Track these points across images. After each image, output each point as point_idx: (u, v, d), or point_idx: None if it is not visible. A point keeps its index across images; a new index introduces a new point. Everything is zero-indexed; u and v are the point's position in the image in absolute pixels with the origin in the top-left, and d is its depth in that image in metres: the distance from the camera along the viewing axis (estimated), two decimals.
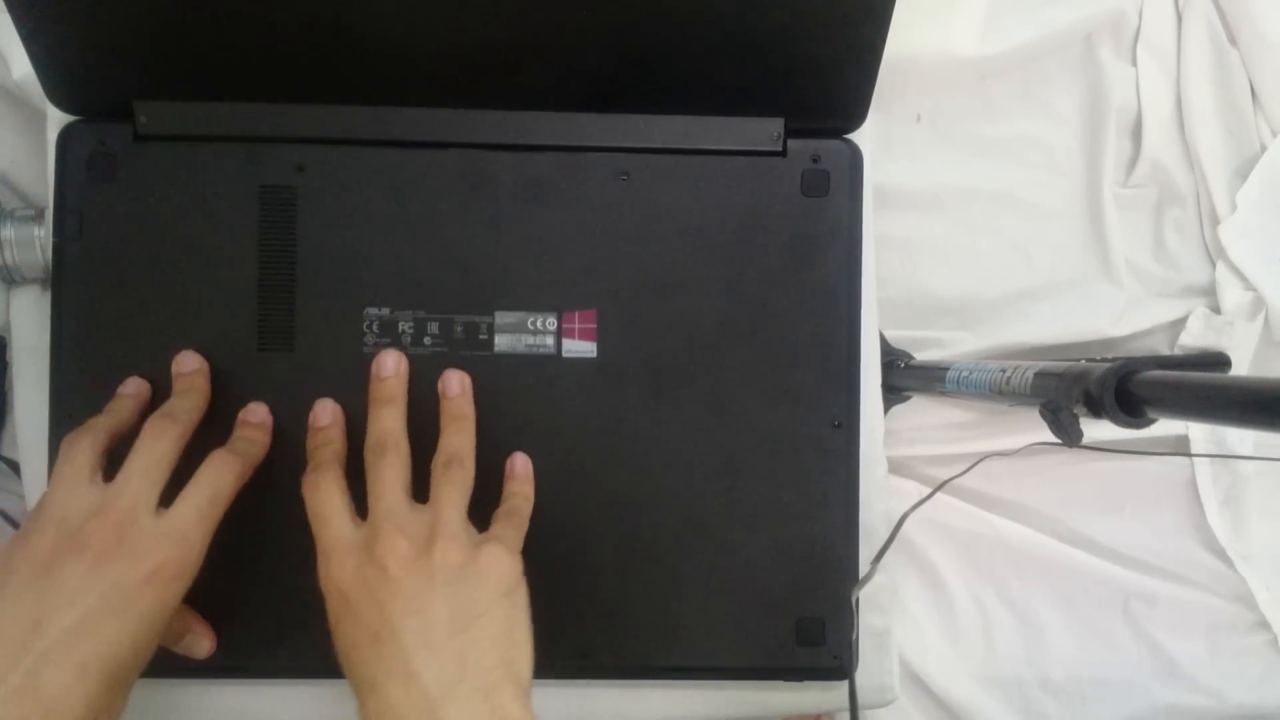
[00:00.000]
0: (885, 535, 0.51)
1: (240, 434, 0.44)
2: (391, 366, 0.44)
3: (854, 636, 0.47)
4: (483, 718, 0.36)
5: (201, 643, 0.44)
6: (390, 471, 0.41)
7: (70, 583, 0.36)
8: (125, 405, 0.43)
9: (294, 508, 0.44)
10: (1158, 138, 0.63)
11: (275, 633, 0.45)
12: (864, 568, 0.48)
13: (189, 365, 0.44)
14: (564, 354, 0.46)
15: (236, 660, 0.46)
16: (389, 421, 0.42)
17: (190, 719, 0.47)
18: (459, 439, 0.43)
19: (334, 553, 0.39)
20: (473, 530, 0.41)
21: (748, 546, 0.47)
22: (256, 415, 0.44)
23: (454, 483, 0.41)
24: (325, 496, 0.40)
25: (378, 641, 0.37)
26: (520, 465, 0.45)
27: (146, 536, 0.38)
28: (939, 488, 0.50)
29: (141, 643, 0.38)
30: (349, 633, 0.38)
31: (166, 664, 0.46)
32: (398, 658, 0.36)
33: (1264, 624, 0.64)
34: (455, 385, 0.44)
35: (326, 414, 0.44)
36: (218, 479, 0.40)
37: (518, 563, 0.40)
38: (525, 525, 0.43)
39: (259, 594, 0.45)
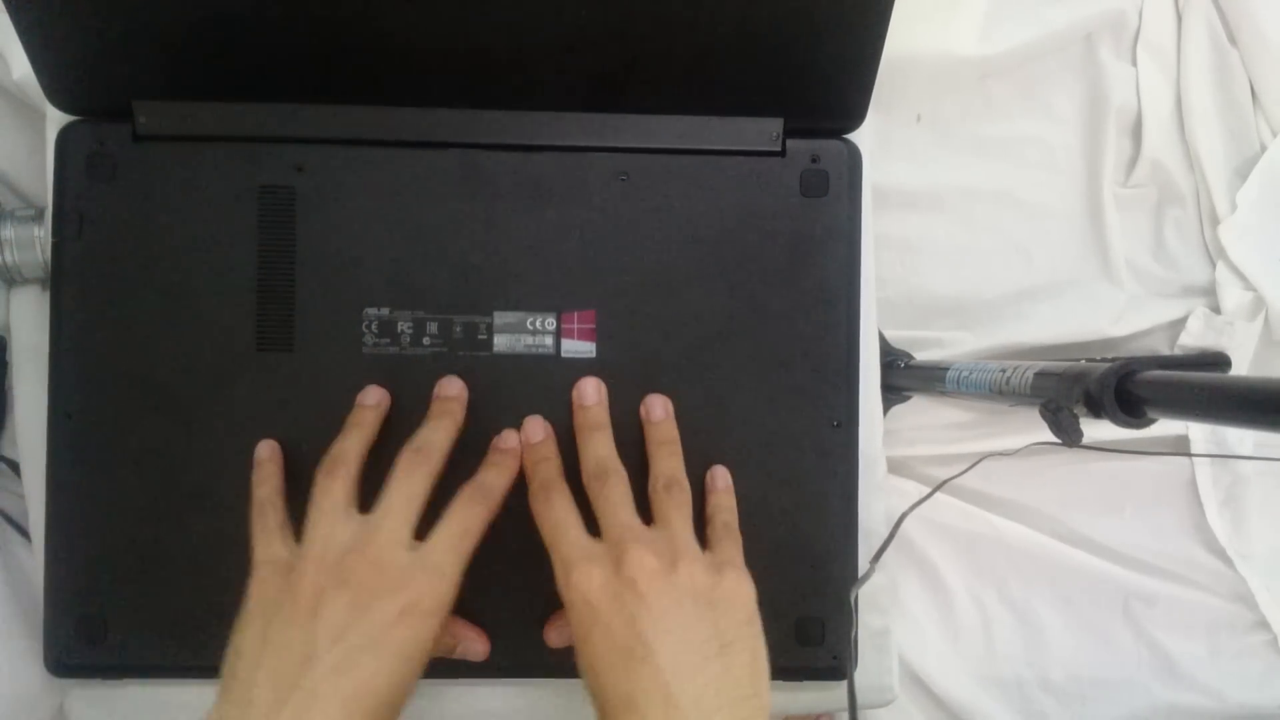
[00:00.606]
0: (885, 535, 0.51)
1: (490, 460, 0.44)
2: (593, 395, 0.45)
3: (853, 636, 0.47)
4: None
5: (475, 646, 0.44)
6: (616, 492, 0.41)
7: (332, 620, 0.37)
8: (369, 419, 0.43)
9: (296, 507, 0.44)
10: (1158, 138, 0.63)
11: None
12: (863, 567, 0.48)
13: (450, 390, 0.45)
14: (563, 354, 0.46)
15: None
16: (602, 448, 0.43)
17: (190, 719, 0.47)
18: (672, 462, 0.43)
19: (577, 562, 0.39)
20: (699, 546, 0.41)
21: (747, 546, 0.47)
22: (507, 442, 0.44)
23: (679, 505, 0.42)
24: (560, 509, 0.41)
25: (632, 659, 0.37)
26: (721, 478, 0.45)
27: (403, 572, 0.38)
28: (938, 487, 0.50)
29: (400, 678, 0.37)
30: (599, 646, 0.38)
31: (167, 664, 0.46)
32: (655, 679, 0.36)
33: (1264, 624, 0.64)
34: (659, 410, 0.45)
35: (539, 430, 0.44)
36: (468, 514, 0.41)
37: (754, 589, 0.40)
38: (740, 540, 0.43)
39: None
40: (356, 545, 0.38)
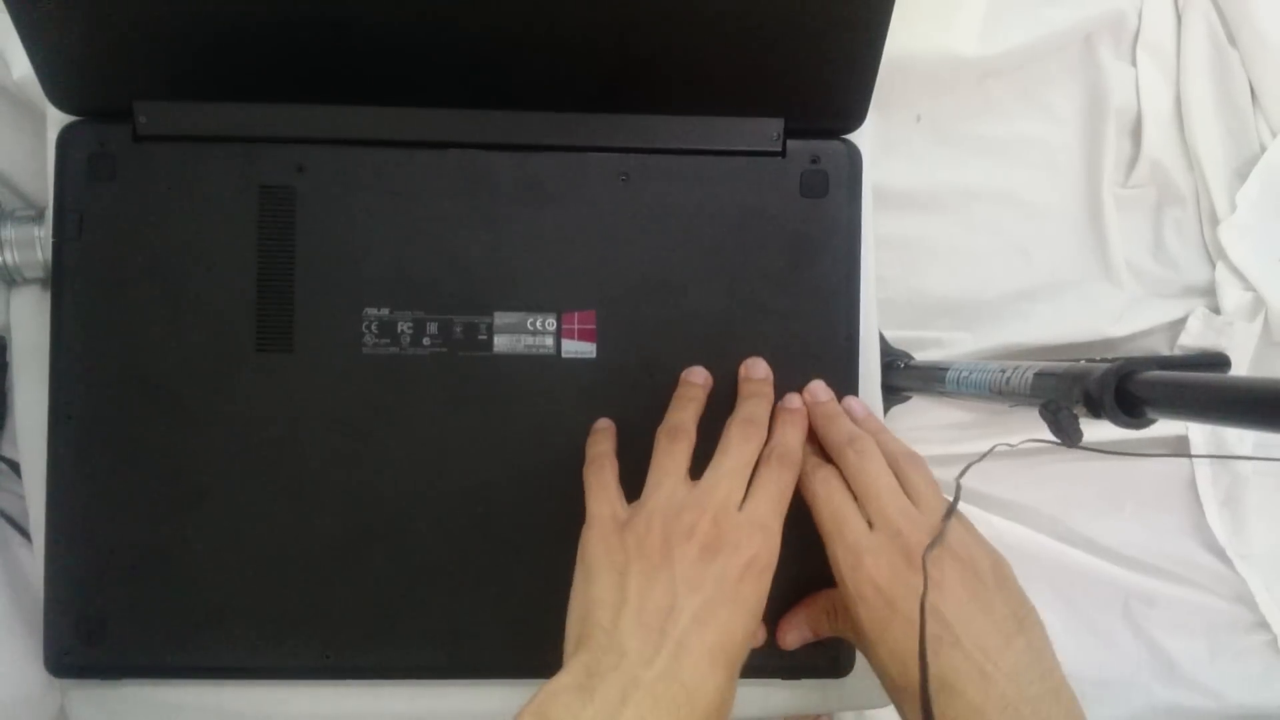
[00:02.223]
0: None
1: (783, 419, 0.45)
2: (825, 391, 0.46)
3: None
4: (1059, 715, 0.37)
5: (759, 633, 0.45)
6: (876, 463, 0.42)
7: (686, 572, 0.38)
8: (699, 395, 0.45)
9: (296, 508, 0.44)
10: (1157, 138, 0.63)
11: (276, 633, 0.45)
12: None
13: (759, 372, 0.46)
14: (563, 354, 0.46)
15: (236, 660, 0.46)
16: (848, 425, 0.44)
17: (191, 719, 0.47)
18: (893, 440, 0.44)
19: (866, 553, 0.40)
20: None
21: None
22: (792, 403, 0.46)
23: (924, 474, 0.43)
24: (839, 495, 0.42)
25: (941, 644, 0.38)
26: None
27: (739, 529, 0.40)
28: (963, 472, 0.50)
29: (746, 631, 0.39)
30: (900, 637, 0.39)
31: (167, 664, 0.46)
32: (967, 660, 0.38)
33: (1264, 624, 0.64)
34: (823, 392, 0.46)
35: (796, 400, 0.46)
36: (781, 476, 0.42)
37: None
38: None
39: (259, 594, 0.45)
40: (696, 505, 0.40)
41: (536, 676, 0.47)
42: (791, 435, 0.44)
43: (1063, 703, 0.38)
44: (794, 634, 0.45)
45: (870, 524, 0.41)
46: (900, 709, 0.40)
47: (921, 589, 0.38)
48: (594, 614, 0.38)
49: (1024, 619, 0.40)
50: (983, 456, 0.48)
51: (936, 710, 0.37)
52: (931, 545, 0.39)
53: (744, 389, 0.46)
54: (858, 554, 0.40)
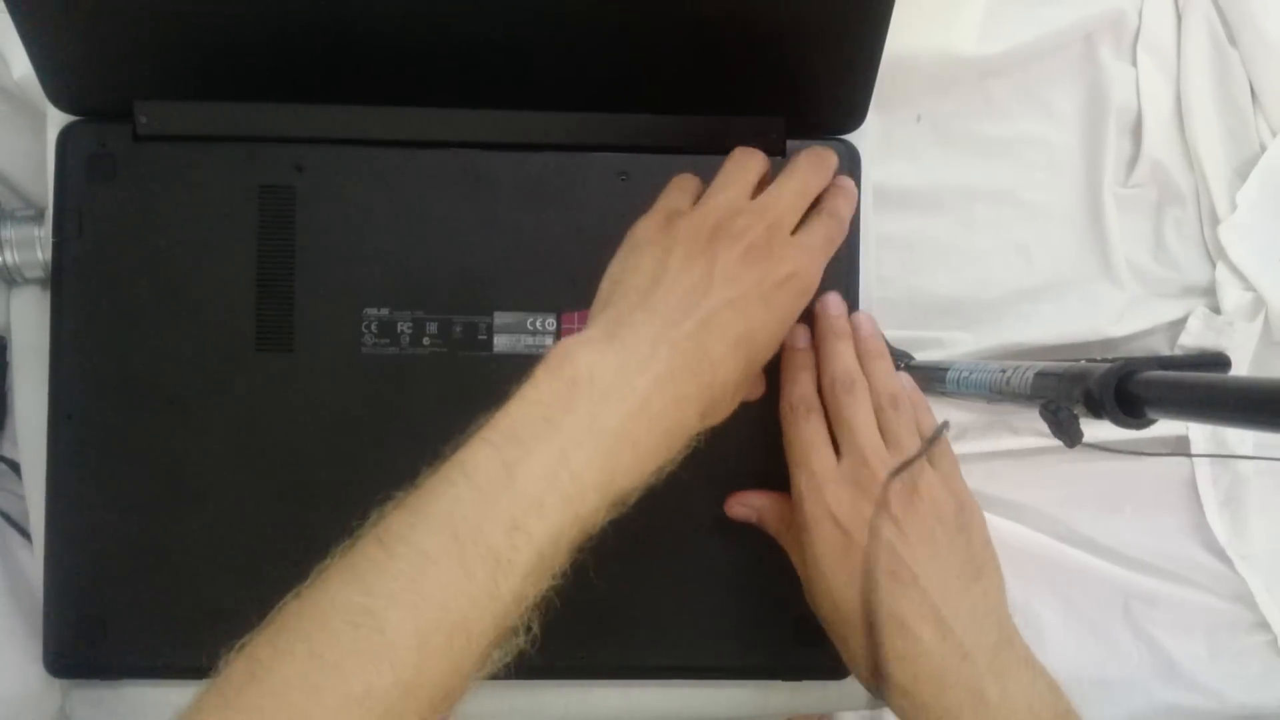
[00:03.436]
0: None
1: (838, 186, 0.45)
2: (837, 305, 0.46)
3: None
4: (1016, 666, 0.38)
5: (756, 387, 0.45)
6: (863, 408, 0.42)
7: (726, 265, 0.39)
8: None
9: (296, 508, 0.44)
10: (1158, 138, 0.62)
11: None
12: None
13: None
14: None
15: None
16: (848, 357, 0.44)
17: None
18: (891, 379, 0.45)
19: (829, 483, 0.41)
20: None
21: (747, 546, 0.47)
22: (846, 183, 0.46)
23: (907, 423, 0.43)
24: (814, 426, 0.42)
25: (898, 581, 0.38)
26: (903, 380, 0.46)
27: (787, 246, 0.41)
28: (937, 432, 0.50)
29: (772, 336, 0.40)
30: (856, 568, 0.39)
31: (167, 664, 0.46)
32: (924, 602, 0.38)
33: (1264, 624, 0.64)
34: (867, 325, 0.47)
35: (803, 339, 0.46)
36: (830, 224, 0.43)
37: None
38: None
39: (259, 594, 0.45)
40: (753, 211, 0.41)
41: (537, 677, 0.47)
42: (841, 203, 0.45)
43: (1016, 650, 0.39)
44: (741, 509, 0.46)
45: (839, 458, 0.41)
46: (843, 644, 0.41)
47: (880, 524, 0.39)
48: (628, 279, 0.39)
49: (983, 566, 0.40)
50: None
51: (889, 647, 0.37)
52: (895, 472, 0.39)
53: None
54: (821, 482, 0.40)
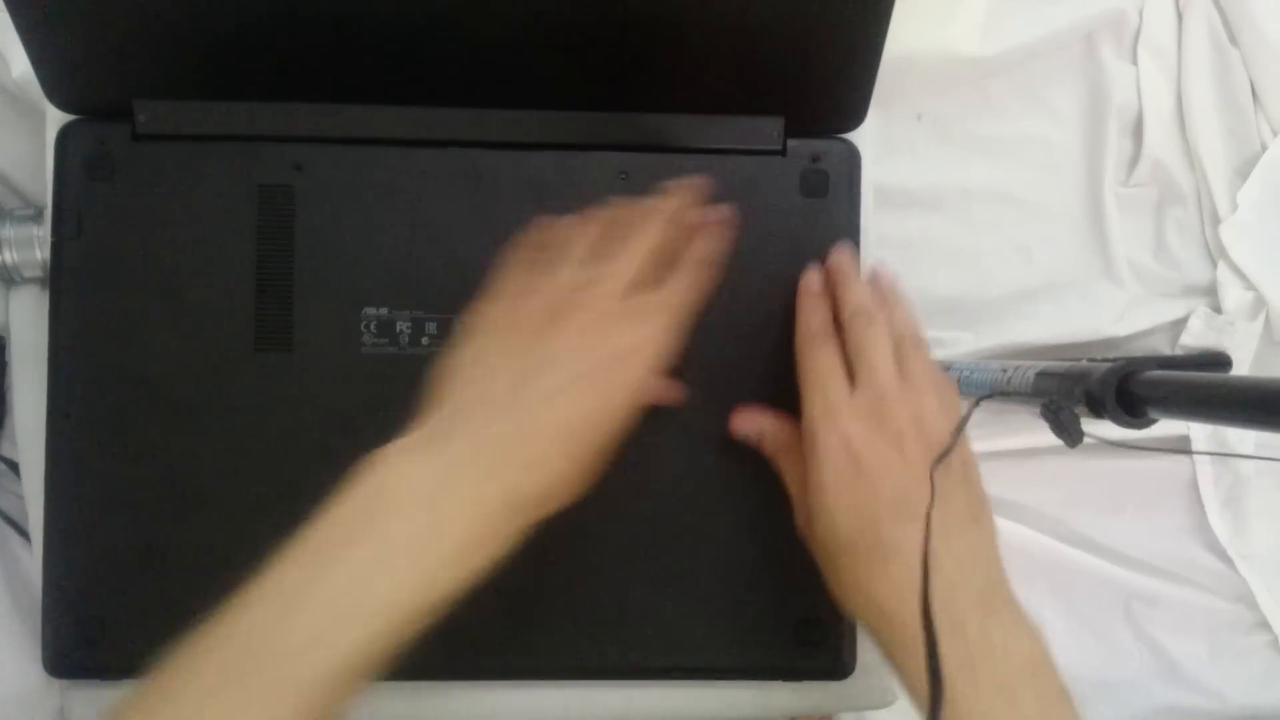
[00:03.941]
0: None
1: (706, 232, 0.44)
2: (850, 251, 0.46)
3: (854, 636, 0.47)
4: (1000, 606, 0.38)
5: (671, 392, 0.45)
6: (882, 341, 0.42)
7: (557, 349, 0.38)
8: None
9: (295, 508, 0.44)
10: (1158, 137, 0.62)
11: None
12: None
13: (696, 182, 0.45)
14: None
15: None
16: (868, 294, 0.44)
17: None
18: (908, 320, 0.44)
19: (842, 410, 0.40)
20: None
21: (747, 546, 0.47)
22: (718, 213, 0.45)
23: (923, 359, 0.42)
24: (829, 357, 0.42)
25: (900, 515, 0.38)
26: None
27: (628, 316, 0.39)
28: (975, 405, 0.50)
29: (617, 416, 0.38)
30: (862, 496, 0.39)
31: None
32: (920, 535, 0.38)
33: (1265, 624, 0.64)
34: (886, 278, 0.46)
35: (816, 282, 0.46)
36: (693, 275, 0.42)
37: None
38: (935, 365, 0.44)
39: None
40: (589, 287, 0.39)
41: (537, 677, 0.47)
42: (708, 247, 0.43)
43: (1002, 595, 0.39)
44: (746, 426, 0.45)
45: (855, 390, 0.41)
46: (830, 569, 0.41)
47: (891, 458, 0.39)
48: (454, 381, 0.38)
49: (979, 516, 0.40)
50: (975, 405, 0.47)
51: (883, 573, 0.38)
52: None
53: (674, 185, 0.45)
54: (835, 411, 0.40)
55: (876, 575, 0.38)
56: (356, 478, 0.36)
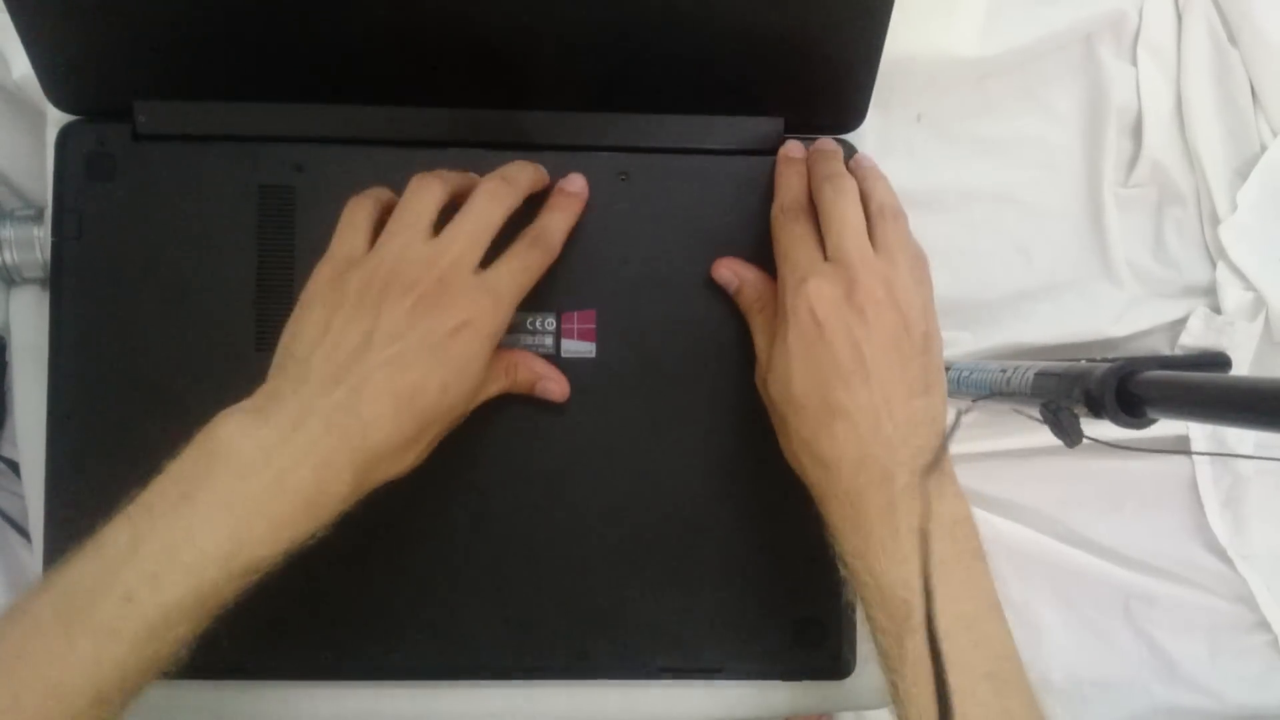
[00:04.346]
0: None
1: (553, 203, 0.45)
2: (798, 149, 0.47)
3: (854, 636, 0.47)
4: (929, 468, 0.39)
5: (553, 386, 0.45)
6: (852, 210, 0.42)
7: (393, 320, 0.38)
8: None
9: None
10: (1158, 138, 0.63)
11: (276, 633, 0.45)
12: None
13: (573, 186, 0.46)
14: (563, 354, 0.46)
15: (236, 660, 0.45)
16: (841, 165, 0.45)
17: (191, 719, 0.47)
18: (883, 188, 0.44)
19: (812, 276, 0.41)
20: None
21: (747, 546, 0.47)
22: (572, 185, 0.46)
23: (899, 232, 0.43)
24: (804, 227, 0.43)
25: (853, 377, 0.40)
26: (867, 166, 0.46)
27: (465, 291, 0.40)
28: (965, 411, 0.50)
29: (451, 388, 0.39)
30: (821, 360, 0.40)
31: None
32: (870, 399, 0.39)
33: (1265, 624, 0.64)
34: (830, 143, 0.47)
35: (796, 149, 0.46)
36: (530, 254, 0.42)
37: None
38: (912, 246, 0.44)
39: (259, 594, 0.45)
40: (427, 260, 0.40)
41: (537, 677, 0.47)
42: (554, 219, 0.44)
43: (946, 470, 0.40)
44: (727, 273, 0.46)
45: (827, 259, 0.42)
46: (781, 425, 0.42)
47: (855, 326, 0.40)
48: (293, 345, 0.39)
49: (932, 386, 0.41)
50: (968, 409, 0.47)
51: (828, 427, 0.40)
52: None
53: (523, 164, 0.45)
54: (803, 276, 0.41)
55: (822, 433, 0.40)
56: (195, 439, 0.37)
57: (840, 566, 0.41)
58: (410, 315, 0.39)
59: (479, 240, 0.41)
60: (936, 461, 0.39)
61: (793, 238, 0.43)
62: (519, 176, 0.43)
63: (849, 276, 0.40)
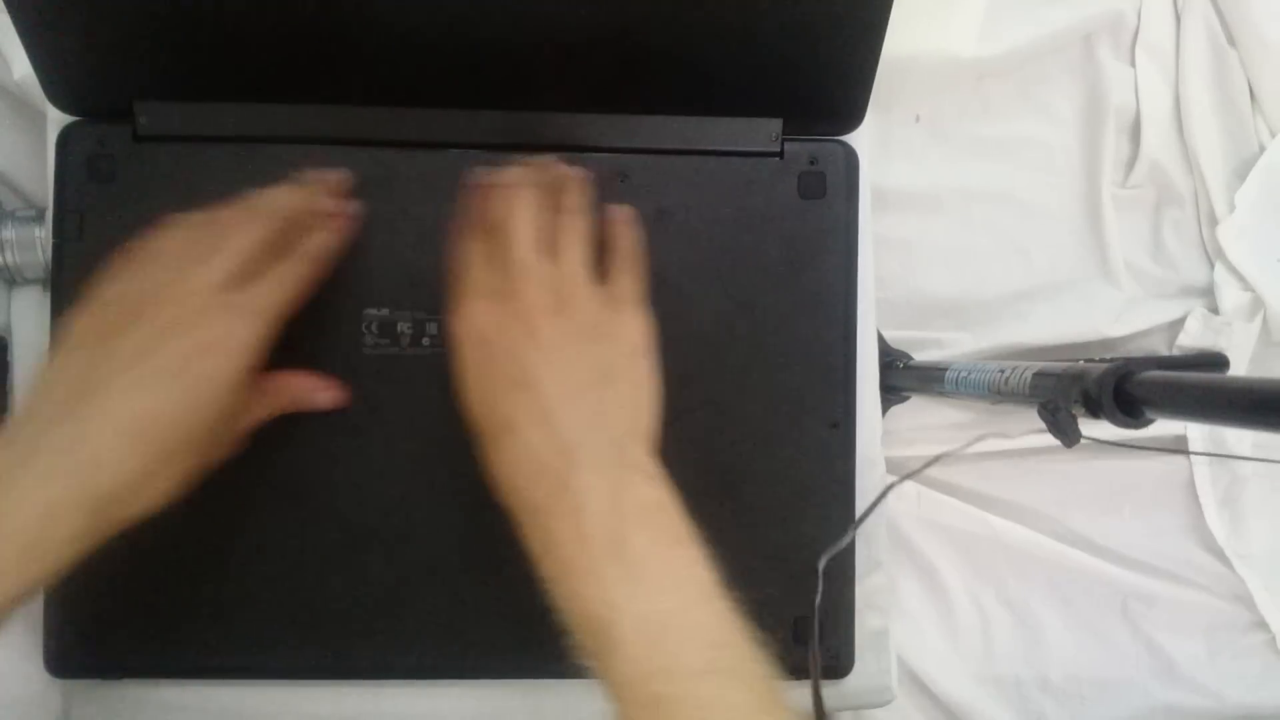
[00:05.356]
0: (883, 535, 0.51)
1: (320, 224, 0.44)
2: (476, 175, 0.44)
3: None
4: (612, 463, 0.37)
5: (322, 397, 0.45)
6: (516, 217, 0.41)
7: (131, 345, 0.37)
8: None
9: (295, 508, 0.44)
10: (1156, 138, 0.63)
11: (276, 633, 0.46)
12: (860, 567, 0.48)
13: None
14: None
15: (236, 660, 0.46)
16: (517, 171, 0.43)
17: (191, 719, 0.47)
18: (573, 195, 0.43)
19: (472, 296, 0.40)
20: (597, 281, 0.42)
21: (745, 546, 0.47)
22: (340, 208, 0.45)
23: (575, 239, 0.42)
24: (471, 245, 0.42)
25: (517, 388, 0.38)
26: (622, 212, 0.45)
27: (209, 311, 0.38)
28: (932, 462, 0.50)
29: (197, 409, 0.38)
30: (487, 377, 0.39)
31: (167, 664, 0.46)
32: (536, 405, 0.38)
33: (1262, 624, 0.64)
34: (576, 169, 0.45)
35: (475, 175, 0.44)
36: (288, 269, 0.41)
37: (649, 323, 0.42)
38: (640, 267, 0.43)
39: (259, 594, 0.46)
40: (159, 288, 0.39)
41: (536, 677, 0.47)
42: (319, 239, 0.43)
43: (622, 448, 0.38)
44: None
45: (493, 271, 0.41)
46: (478, 450, 0.40)
47: (517, 336, 0.39)
48: (37, 383, 0.38)
49: (617, 375, 0.40)
50: (966, 446, 0.48)
51: (502, 449, 0.38)
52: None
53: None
54: (465, 297, 0.40)
55: (500, 452, 0.38)
56: None
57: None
58: (152, 340, 0.37)
59: (232, 263, 0.39)
60: (624, 451, 0.38)
61: (459, 261, 0.42)
62: (289, 199, 0.42)
63: (512, 288, 0.39)
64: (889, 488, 0.48)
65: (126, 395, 0.36)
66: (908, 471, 0.50)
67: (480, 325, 0.39)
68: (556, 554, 0.36)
